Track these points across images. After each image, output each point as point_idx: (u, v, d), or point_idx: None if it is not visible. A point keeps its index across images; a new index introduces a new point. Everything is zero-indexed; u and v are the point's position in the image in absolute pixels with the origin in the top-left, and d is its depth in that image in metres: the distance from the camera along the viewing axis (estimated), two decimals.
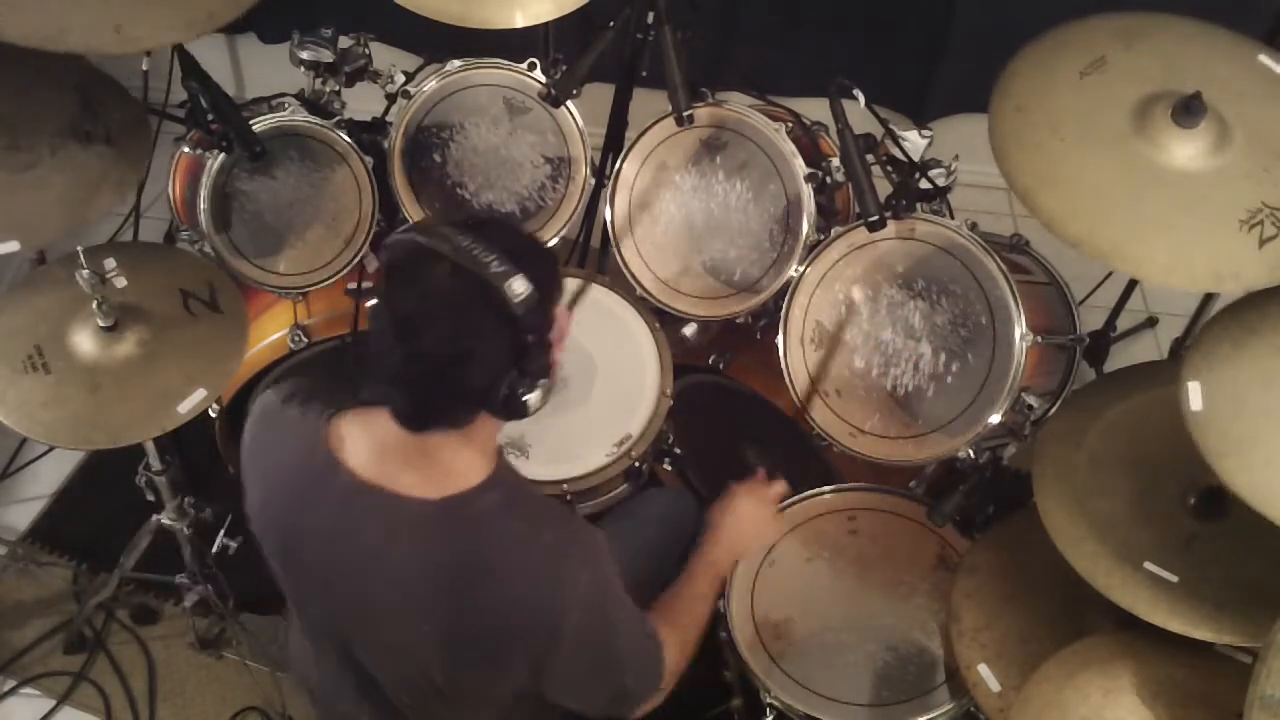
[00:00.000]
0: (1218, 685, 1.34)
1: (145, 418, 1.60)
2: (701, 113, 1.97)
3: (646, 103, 2.14)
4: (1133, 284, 2.51)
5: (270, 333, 2.12)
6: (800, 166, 1.93)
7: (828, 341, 1.92)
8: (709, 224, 2.07)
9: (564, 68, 1.98)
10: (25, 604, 2.34)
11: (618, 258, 2.09)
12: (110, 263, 1.65)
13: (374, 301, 1.21)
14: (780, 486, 1.80)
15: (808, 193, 1.93)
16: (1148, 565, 1.38)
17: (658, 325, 2.01)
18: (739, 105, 2.00)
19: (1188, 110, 1.33)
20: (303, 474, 1.32)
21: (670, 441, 2.00)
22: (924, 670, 1.63)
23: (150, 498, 2.00)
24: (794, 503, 1.83)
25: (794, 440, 2.01)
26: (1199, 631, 1.34)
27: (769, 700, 1.62)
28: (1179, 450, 1.26)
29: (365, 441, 1.28)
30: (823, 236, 1.92)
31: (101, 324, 1.60)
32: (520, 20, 1.84)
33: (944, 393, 1.84)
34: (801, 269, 1.91)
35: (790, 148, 1.94)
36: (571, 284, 2.02)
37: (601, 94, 2.14)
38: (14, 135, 1.57)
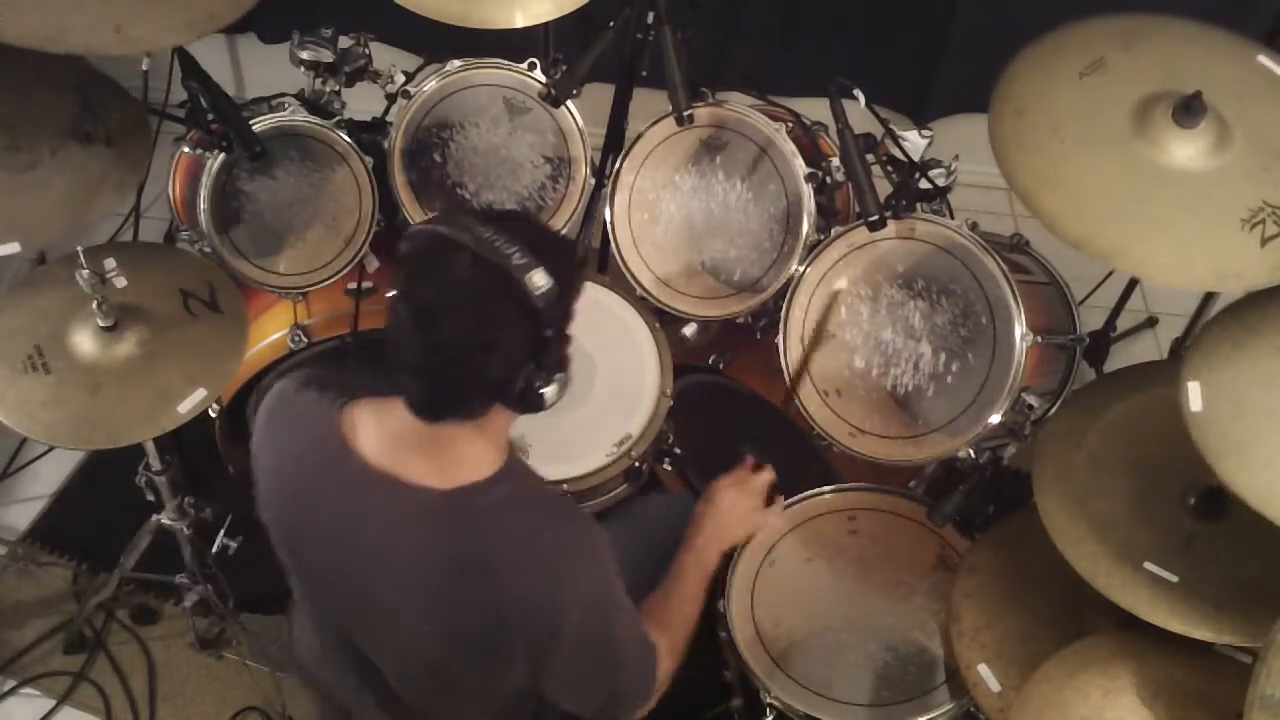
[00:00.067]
0: (1218, 685, 1.34)
1: (145, 418, 1.60)
2: (701, 113, 1.97)
3: (646, 103, 2.14)
4: (1133, 284, 2.51)
5: (270, 333, 2.12)
6: (800, 166, 1.93)
7: (828, 341, 1.92)
8: (709, 224, 2.07)
9: (564, 68, 1.99)
10: (25, 604, 2.34)
11: (618, 258, 2.09)
12: (110, 263, 1.65)
13: (392, 292, 1.21)
14: (766, 475, 1.77)
15: (808, 193, 1.93)
16: (1148, 565, 1.38)
17: (658, 325, 2.01)
18: (739, 105, 2.00)
19: (1188, 110, 1.33)
20: (314, 460, 1.33)
21: (670, 441, 2.00)
22: (924, 670, 1.63)
23: (150, 498, 2.00)
24: (794, 503, 1.83)
25: (794, 440, 2.01)
26: (1199, 631, 1.34)
27: (769, 700, 1.62)
28: (1179, 450, 1.26)
29: (378, 430, 1.28)
30: (823, 236, 1.92)
31: (101, 324, 1.60)
32: (520, 20, 1.84)
33: (944, 393, 1.84)
34: (801, 269, 1.91)
35: (790, 148, 1.94)
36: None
37: (601, 94, 2.14)
38: (14, 136, 1.57)
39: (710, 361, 2.13)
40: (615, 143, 2.20)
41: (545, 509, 1.34)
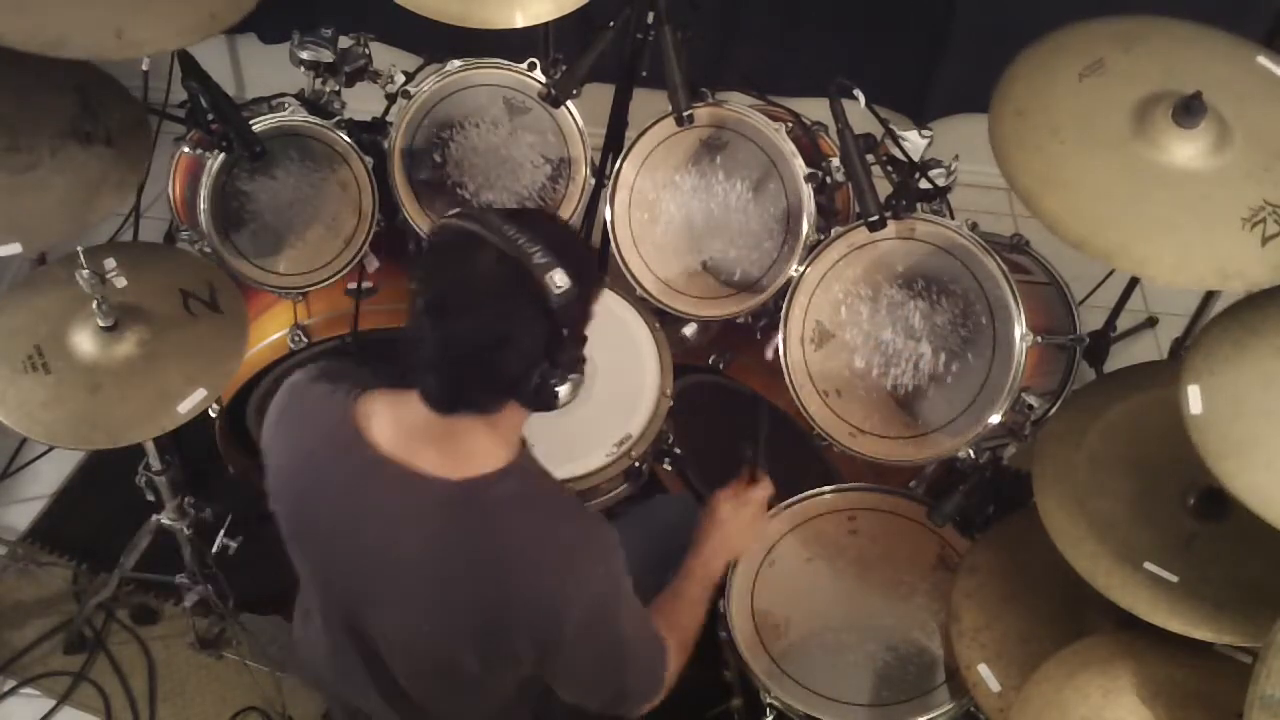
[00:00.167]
0: (1218, 685, 1.34)
1: (145, 418, 1.60)
2: (701, 113, 1.97)
3: (646, 103, 2.14)
4: (1133, 284, 2.51)
5: (270, 333, 2.12)
6: (800, 166, 1.93)
7: (828, 341, 1.92)
8: (709, 224, 2.07)
9: (564, 68, 1.98)
10: (25, 604, 2.34)
11: (618, 258, 2.09)
12: (110, 263, 1.65)
13: (413, 284, 1.22)
14: (764, 489, 1.73)
15: (808, 193, 1.93)
16: (1148, 565, 1.38)
17: (658, 325, 2.01)
18: (739, 105, 2.00)
19: (1188, 110, 1.33)
20: (326, 448, 1.34)
21: (670, 441, 2.01)
22: (924, 670, 1.63)
23: (150, 498, 2.00)
24: (794, 503, 1.83)
25: (794, 440, 2.01)
26: (1199, 631, 1.34)
27: (769, 700, 1.62)
28: (1179, 450, 1.26)
29: (393, 421, 1.29)
30: (823, 236, 1.92)
31: (101, 324, 1.60)
32: (520, 20, 1.84)
33: (944, 393, 1.84)
34: (801, 269, 1.91)
35: (790, 148, 1.94)
36: None
37: (601, 94, 2.14)
38: (14, 136, 1.57)
39: (710, 361, 2.13)
40: (615, 143, 2.20)
41: (552, 506, 1.35)
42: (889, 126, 1.88)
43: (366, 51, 2.08)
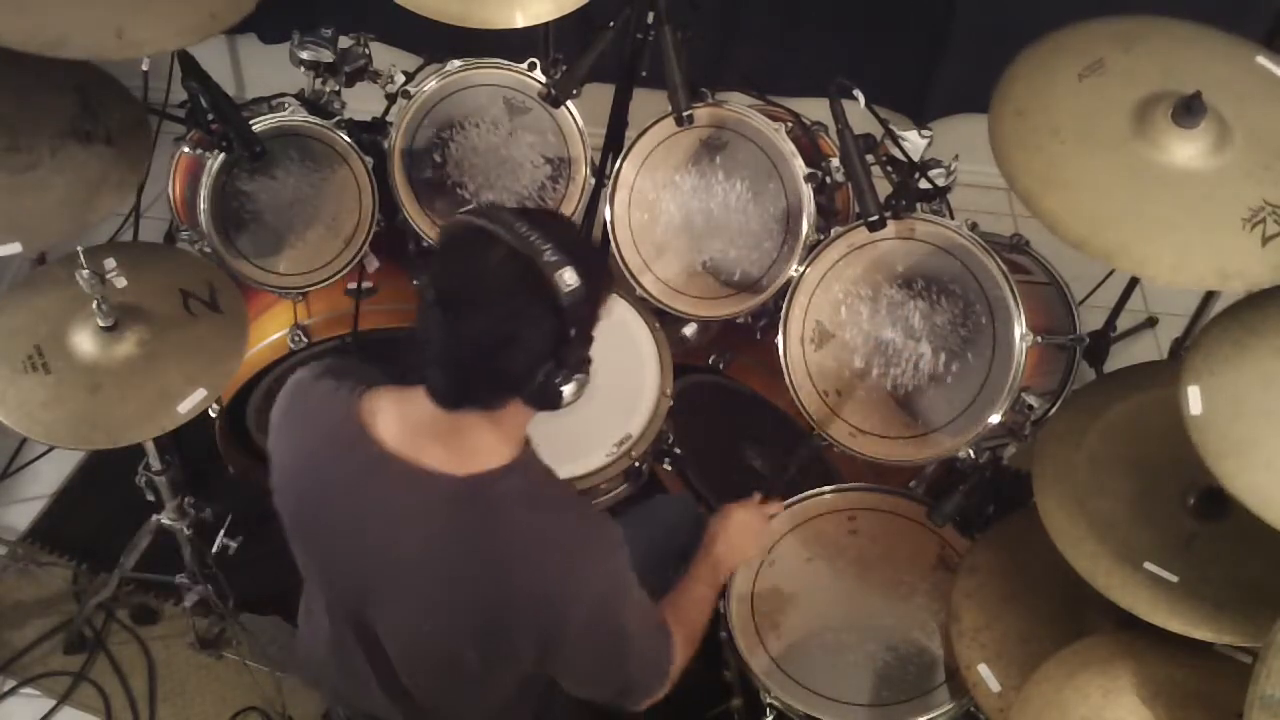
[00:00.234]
0: (1218, 685, 1.34)
1: (145, 418, 1.60)
2: (701, 113, 1.97)
3: (646, 103, 2.14)
4: (1133, 284, 2.51)
5: (270, 333, 2.12)
6: (800, 166, 1.93)
7: (828, 341, 1.92)
8: (709, 224, 2.07)
9: (564, 68, 1.99)
10: (25, 604, 2.34)
11: (618, 257, 2.09)
12: (110, 263, 1.65)
13: (423, 279, 1.22)
14: (775, 508, 1.80)
15: (808, 193, 1.93)
16: (1148, 565, 1.38)
17: (658, 325, 2.01)
18: (739, 105, 2.00)
19: (1188, 110, 1.33)
20: (331, 444, 1.34)
21: (670, 441, 2.01)
22: (924, 670, 1.63)
23: (150, 498, 2.00)
24: (794, 503, 1.83)
25: (794, 440, 2.01)
26: (1199, 631, 1.34)
27: (769, 700, 1.62)
28: (1179, 450, 1.26)
29: (398, 417, 1.30)
30: (823, 236, 1.92)
31: (101, 324, 1.60)
32: (520, 20, 1.84)
33: (944, 393, 1.84)
34: (801, 269, 1.91)
35: (790, 148, 1.94)
36: None
37: (601, 94, 2.14)
38: (14, 136, 1.57)
39: (710, 361, 2.13)
40: (615, 143, 2.20)
41: (557, 503, 1.36)
42: (889, 126, 1.88)
43: (366, 51, 2.08)
